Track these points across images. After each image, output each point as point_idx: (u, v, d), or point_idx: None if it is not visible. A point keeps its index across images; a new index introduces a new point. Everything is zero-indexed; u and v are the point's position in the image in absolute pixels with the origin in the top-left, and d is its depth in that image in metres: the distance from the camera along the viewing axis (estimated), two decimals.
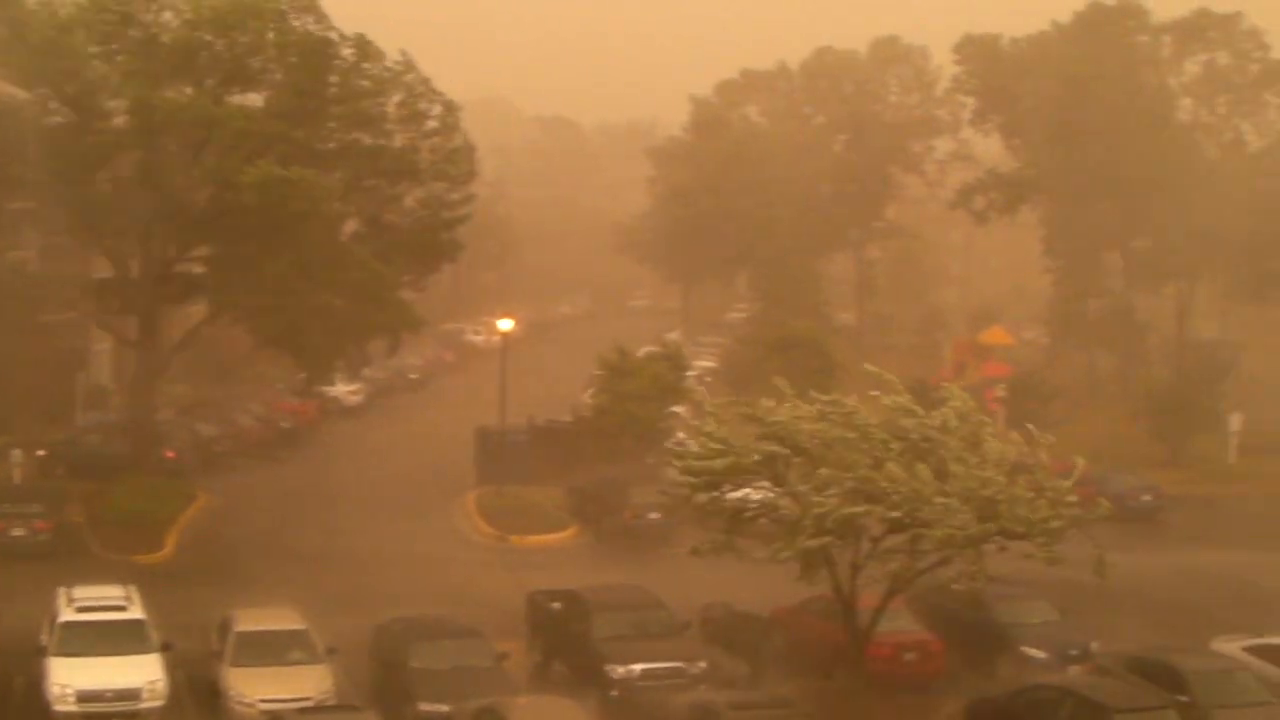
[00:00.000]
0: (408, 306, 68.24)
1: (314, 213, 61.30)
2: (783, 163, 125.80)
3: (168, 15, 63.31)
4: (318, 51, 63.51)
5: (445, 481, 70.85)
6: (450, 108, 68.21)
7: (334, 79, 64.50)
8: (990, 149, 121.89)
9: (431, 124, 67.96)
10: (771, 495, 38.01)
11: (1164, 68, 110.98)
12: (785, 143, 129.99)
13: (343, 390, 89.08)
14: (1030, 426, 39.54)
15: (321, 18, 64.11)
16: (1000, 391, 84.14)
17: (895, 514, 35.77)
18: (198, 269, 67.43)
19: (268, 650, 38.72)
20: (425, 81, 67.44)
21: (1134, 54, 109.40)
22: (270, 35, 62.88)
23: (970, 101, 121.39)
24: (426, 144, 67.64)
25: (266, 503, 66.93)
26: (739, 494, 39.01)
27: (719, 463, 37.96)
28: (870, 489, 35.81)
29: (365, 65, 65.19)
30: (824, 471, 36.15)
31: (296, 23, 63.68)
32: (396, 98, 66.84)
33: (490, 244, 77.26)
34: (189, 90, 62.93)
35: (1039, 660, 44.25)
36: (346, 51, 64.78)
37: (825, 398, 38.59)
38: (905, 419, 37.92)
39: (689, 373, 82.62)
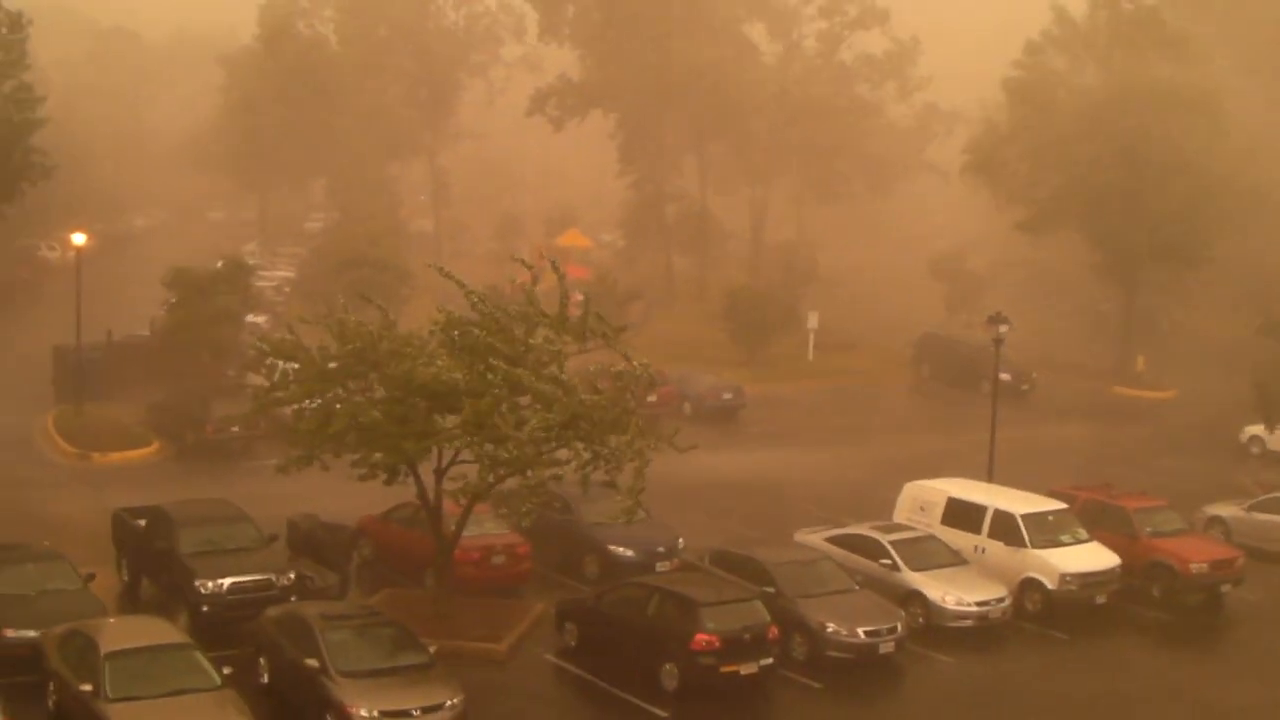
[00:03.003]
0: None
1: None
2: (352, 71, 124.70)
3: None
4: None
5: (22, 401, 68.87)
6: (15, 26, 65.61)
7: None
8: (562, 57, 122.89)
9: None
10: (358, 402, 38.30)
11: None
12: (353, 50, 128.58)
13: None
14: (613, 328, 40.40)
15: None
16: (578, 295, 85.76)
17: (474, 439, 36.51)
18: None
19: None
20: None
21: None
22: None
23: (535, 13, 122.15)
24: None
25: None
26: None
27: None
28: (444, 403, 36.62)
29: None
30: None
31: None
32: None
33: (60, 158, 74.95)
34: None
35: (627, 559, 45.49)
36: None
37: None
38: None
39: (266, 284, 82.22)
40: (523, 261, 41.26)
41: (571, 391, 36.71)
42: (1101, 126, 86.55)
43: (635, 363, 38.08)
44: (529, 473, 37.02)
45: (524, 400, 36.84)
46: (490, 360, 36.70)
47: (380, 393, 37.53)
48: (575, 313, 39.02)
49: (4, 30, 66.08)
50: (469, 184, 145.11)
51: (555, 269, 39.70)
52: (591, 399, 37.02)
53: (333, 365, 38.29)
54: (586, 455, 37.27)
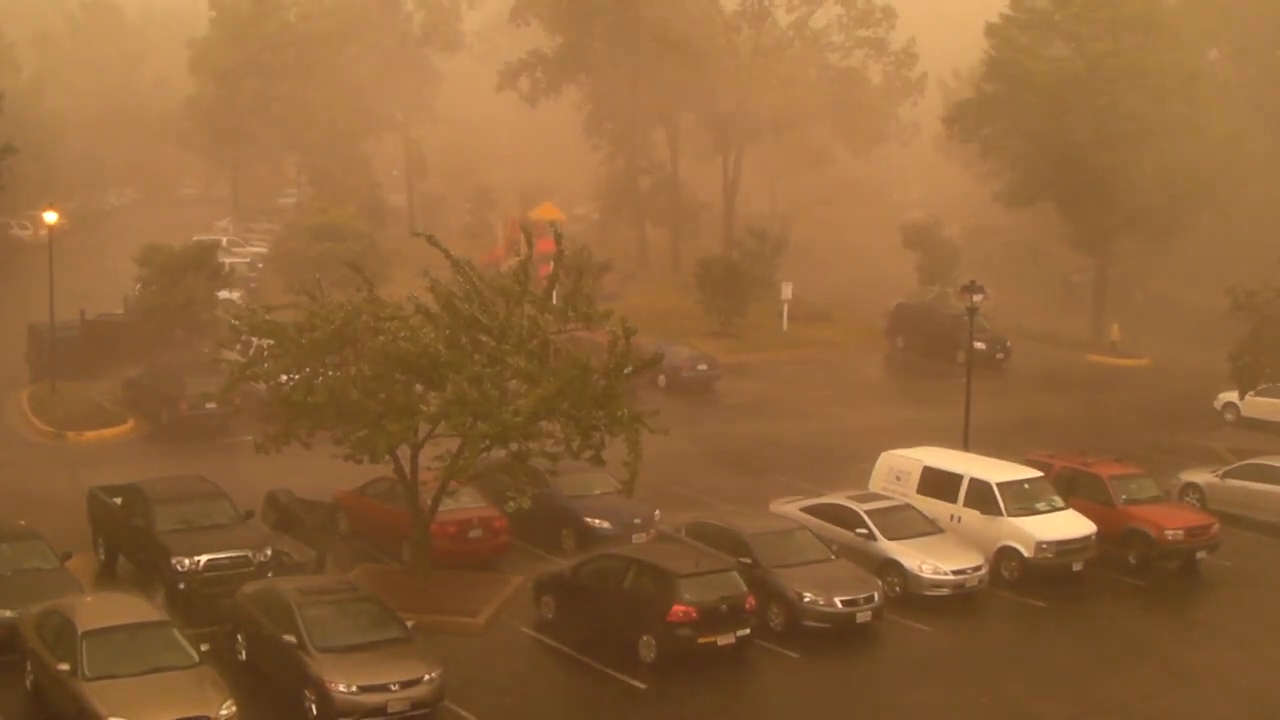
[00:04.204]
0: None
1: None
2: (328, 46, 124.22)
3: None
4: None
5: None
6: None
7: None
8: (533, 30, 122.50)
9: None
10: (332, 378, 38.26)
11: None
12: (328, 25, 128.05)
13: None
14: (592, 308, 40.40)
15: None
16: (546, 267, 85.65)
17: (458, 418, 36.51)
18: None
19: None
20: None
21: None
22: None
23: None
24: None
25: None
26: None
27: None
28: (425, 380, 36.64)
29: None
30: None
31: None
32: None
33: (33, 136, 74.65)
34: None
35: (604, 530, 45.46)
36: None
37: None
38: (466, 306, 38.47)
39: (240, 260, 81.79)
40: (524, 233, 41.36)
41: (555, 371, 36.78)
42: (1071, 100, 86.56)
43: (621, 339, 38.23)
44: (512, 445, 37.04)
45: (506, 375, 36.83)
46: (473, 334, 36.69)
47: (356, 369, 37.41)
48: (565, 277, 39.28)
49: None
50: (443, 158, 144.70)
51: (558, 242, 40.23)
52: (581, 359, 37.09)
53: (306, 341, 38.16)
54: (569, 430, 37.34)
